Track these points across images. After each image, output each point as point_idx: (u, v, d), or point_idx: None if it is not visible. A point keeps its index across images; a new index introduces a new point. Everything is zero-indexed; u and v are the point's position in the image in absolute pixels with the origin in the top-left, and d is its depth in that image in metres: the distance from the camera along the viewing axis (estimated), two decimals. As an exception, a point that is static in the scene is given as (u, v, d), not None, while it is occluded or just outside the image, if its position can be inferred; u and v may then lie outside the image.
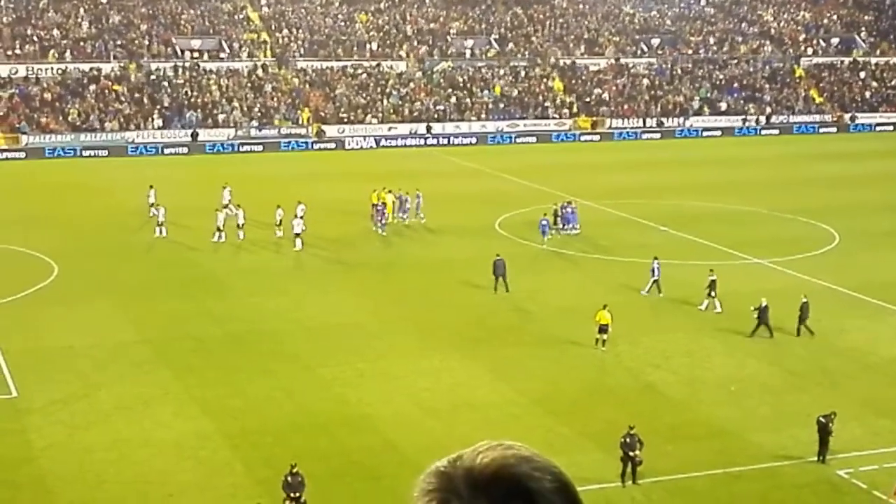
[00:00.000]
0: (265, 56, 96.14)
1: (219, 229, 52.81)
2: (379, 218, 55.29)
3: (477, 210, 60.02)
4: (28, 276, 46.58)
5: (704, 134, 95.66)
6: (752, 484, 28.83)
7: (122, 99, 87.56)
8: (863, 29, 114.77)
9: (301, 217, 52.84)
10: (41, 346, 38.17)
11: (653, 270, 44.82)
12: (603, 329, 38.48)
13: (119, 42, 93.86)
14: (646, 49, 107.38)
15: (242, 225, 53.39)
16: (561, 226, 55.50)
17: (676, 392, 35.05)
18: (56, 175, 71.14)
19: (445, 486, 2.18)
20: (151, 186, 56.54)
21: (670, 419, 32.63)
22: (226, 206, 57.29)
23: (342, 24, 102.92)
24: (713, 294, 42.73)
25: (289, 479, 26.72)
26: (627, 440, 28.58)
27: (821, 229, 57.07)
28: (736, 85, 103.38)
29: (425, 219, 56.94)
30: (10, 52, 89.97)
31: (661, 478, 28.91)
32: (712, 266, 45.07)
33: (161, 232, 53.73)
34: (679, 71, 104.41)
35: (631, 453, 28.49)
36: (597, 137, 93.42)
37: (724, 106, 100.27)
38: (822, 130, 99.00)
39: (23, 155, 79.48)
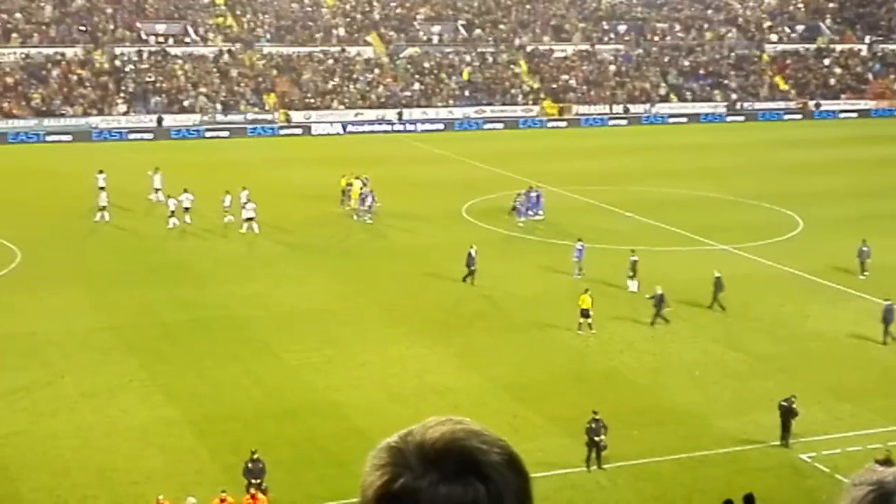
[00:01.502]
0: (231, 41, 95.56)
1: (171, 214, 52.62)
2: (363, 205, 54.63)
3: (444, 196, 60.04)
4: (-9, 262, 46.24)
5: (670, 120, 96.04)
6: (716, 468, 29.11)
7: (87, 84, 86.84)
8: (828, 16, 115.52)
9: (248, 201, 52.44)
10: (3, 332, 37.89)
11: (578, 251, 45.60)
12: (585, 313, 38.82)
13: (83, 27, 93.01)
14: (613, 35, 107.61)
15: (188, 209, 53.23)
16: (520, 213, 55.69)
17: (641, 377, 35.30)
18: (19, 160, 70.47)
19: (397, 460, 2.20)
20: (101, 171, 56.14)
21: (635, 404, 32.86)
22: (157, 191, 57.38)
23: (309, 9, 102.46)
24: (633, 274, 43.43)
25: (249, 465, 26.73)
26: (592, 425, 28.77)
27: (785, 215, 57.52)
28: (702, 72, 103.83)
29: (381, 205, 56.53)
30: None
31: (626, 462, 29.13)
32: (676, 250, 45.35)
33: (103, 216, 53.62)
34: (646, 57, 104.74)
35: (596, 438, 28.69)
36: (563, 124, 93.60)
37: (689, 93, 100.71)
38: (786, 117, 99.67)
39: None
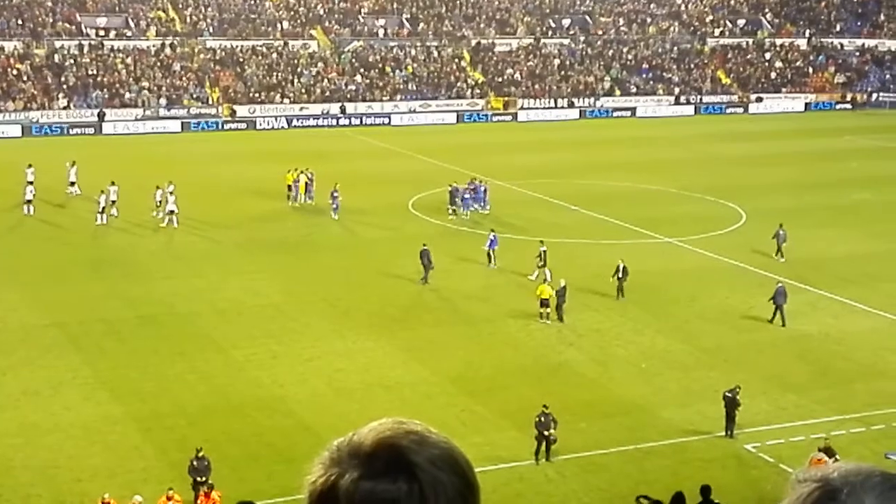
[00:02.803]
0: (173, 34, 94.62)
1: (102, 210, 52.07)
2: (332, 202, 53.94)
3: (390, 190, 59.91)
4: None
5: (615, 114, 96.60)
6: (662, 459, 29.32)
7: (26, 78, 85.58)
8: (768, 11, 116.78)
9: (171, 194, 52.12)
10: (-56, 331, 37.27)
11: (490, 241, 46.08)
12: (544, 303, 39.20)
13: (22, 20, 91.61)
14: (557, 29, 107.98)
15: (114, 202, 52.74)
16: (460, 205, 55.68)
17: (588, 370, 35.47)
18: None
19: (332, 459, 2.24)
20: (30, 165, 55.54)
21: (583, 397, 33.01)
22: (72, 185, 57.18)
23: (252, 2, 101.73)
24: (543, 264, 43.94)
25: (195, 462, 26.52)
26: (542, 419, 28.83)
27: (728, 208, 58.07)
28: (645, 65, 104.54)
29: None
30: None
31: (574, 455, 29.25)
32: (620, 243, 45.57)
33: (29, 210, 53.61)
34: (589, 51, 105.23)
35: (546, 432, 28.75)
36: (508, 118, 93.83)
37: (633, 87, 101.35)
38: (728, 111, 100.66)
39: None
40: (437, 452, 2.23)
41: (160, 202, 52.81)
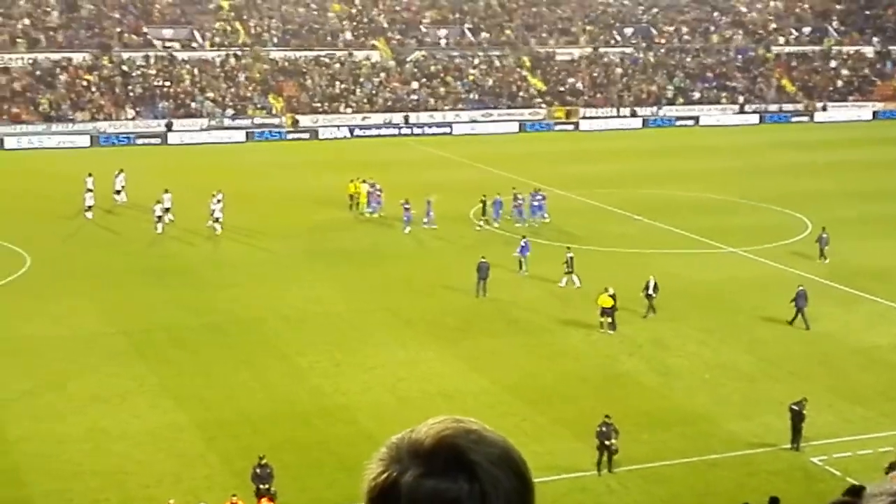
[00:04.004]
0: (238, 45, 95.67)
1: (159, 219, 52.74)
2: (404, 214, 53.56)
3: (451, 200, 59.91)
4: (0, 267, 46.24)
5: (678, 123, 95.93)
6: (727, 471, 29.02)
7: (94, 89, 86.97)
8: (834, 18, 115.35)
9: (219, 202, 52.73)
10: (13, 336, 37.94)
11: (522, 248, 46.31)
12: (605, 312, 39.03)
13: (90, 32, 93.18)
14: (619, 38, 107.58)
15: (168, 210, 53.46)
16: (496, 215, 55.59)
17: (650, 380, 35.23)
18: (28, 166, 70.67)
19: (391, 456, 2.28)
20: (90, 174, 56.53)
21: (645, 407, 32.78)
22: (118, 193, 58.16)
23: (315, 13, 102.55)
24: (571, 270, 44.18)
25: (257, 470, 26.73)
26: (603, 429, 28.68)
27: (794, 218, 57.39)
28: (708, 74, 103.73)
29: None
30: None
31: (637, 466, 29.06)
32: (684, 252, 45.25)
33: (88, 216, 55.10)
34: (652, 60, 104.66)
35: (607, 442, 28.60)
36: (570, 127, 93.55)
37: (696, 95, 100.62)
38: (793, 119, 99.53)
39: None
40: (495, 451, 2.26)
41: (212, 211, 53.41)
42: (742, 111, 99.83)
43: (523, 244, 46.88)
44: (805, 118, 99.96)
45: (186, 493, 26.46)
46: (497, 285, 43.85)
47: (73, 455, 28.99)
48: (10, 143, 79.06)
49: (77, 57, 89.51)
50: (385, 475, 2.26)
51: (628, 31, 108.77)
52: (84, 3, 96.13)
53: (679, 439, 30.61)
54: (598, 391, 33.72)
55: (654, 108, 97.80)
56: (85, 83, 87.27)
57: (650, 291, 41.00)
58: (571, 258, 44.83)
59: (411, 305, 42.26)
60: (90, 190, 55.74)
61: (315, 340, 38.04)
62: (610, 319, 39.23)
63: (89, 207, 55.46)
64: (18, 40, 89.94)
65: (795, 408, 30.10)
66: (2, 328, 38.82)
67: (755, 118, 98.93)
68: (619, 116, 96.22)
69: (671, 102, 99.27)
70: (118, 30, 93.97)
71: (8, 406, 32.10)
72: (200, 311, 41.22)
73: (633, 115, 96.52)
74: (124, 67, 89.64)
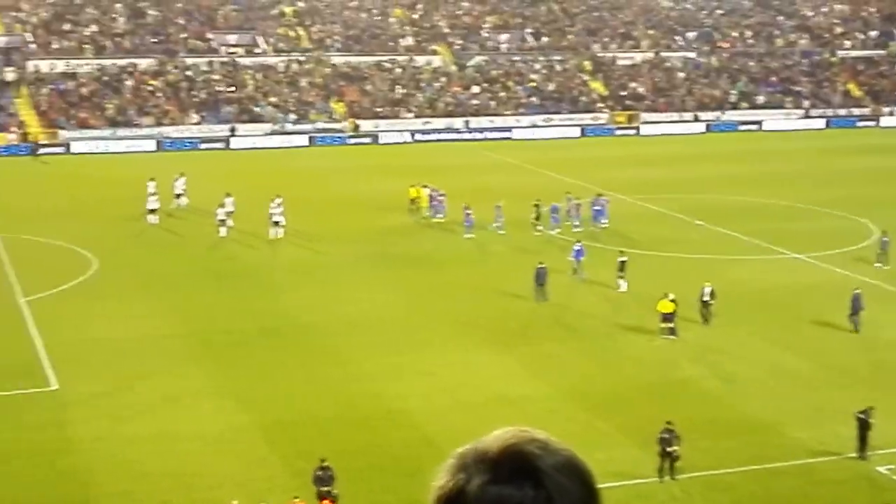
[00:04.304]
0: (300, 51, 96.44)
1: (221, 223, 53.22)
2: (465, 220, 53.39)
3: (512, 204, 59.83)
4: (68, 269, 47.03)
5: (741, 128, 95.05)
6: (791, 480, 28.71)
7: (159, 94, 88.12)
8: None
9: (279, 206, 53.12)
10: (81, 338, 38.53)
11: (576, 252, 46.33)
12: (666, 318, 38.83)
13: (156, 37, 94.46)
14: (682, 42, 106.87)
15: (230, 213, 53.90)
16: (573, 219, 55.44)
17: (713, 386, 34.95)
18: (94, 170, 71.78)
19: (459, 464, 2.30)
20: (152, 178, 57.28)
21: (707, 414, 32.52)
22: (178, 197, 58.83)
23: (377, 18, 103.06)
24: (623, 274, 44.26)
25: (319, 472, 26.91)
26: (665, 435, 28.51)
27: (859, 223, 56.62)
28: (773, 78, 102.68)
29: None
30: (48, 48, 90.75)
31: (699, 473, 28.84)
32: (747, 258, 44.81)
33: (153, 220, 55.85)
34: (715, 64, 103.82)
35: (669, 448, 28.43)
36: (632, 131, 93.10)
37: (760, 99, 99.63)
38: (859, 124, 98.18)
39: (62, 150, 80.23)
40: (561, 460, 2.28)
41: (272, 215, 53.79)
42: (807, 116, 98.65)
43: (578, 248, 46.80)
44: (871, 123, 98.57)
45: (249, 495, 26.71)
46: (557, 290, 43.73)
47: (140, 456, 29.39)
48: (77, 147, 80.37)
49: (143, 63, 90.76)
50: (452, 483, 2.29)
51: (691, 35, 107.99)
52: (150, 9, 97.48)
53: (742, 447, 30.32)
54: (660, 397, 33.50)
55: (717, 113, 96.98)
56: (150, 88, 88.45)
57: (706, 299, 40.57)
58: (624, 262, 44.70)
59: (471, 310, 42.29)
60: (153, 194, 56.61)
61: (375, 345, 38.20)
62: (671, 325, 39.00)
63: (153, 211, 56.32)
64: (86, 46, 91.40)
65: (862, 416, 29.68)
66: (70, 330, 39.44)
67: (821, 123, 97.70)
68: (681, 121, 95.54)
69: (734, 107, 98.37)
70: (183, 36, 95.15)
71: (77, 407, 32.62)
72: (263, 315, 41.59)
73: (696, 119, 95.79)
74: (189, 73, 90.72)
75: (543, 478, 2.24)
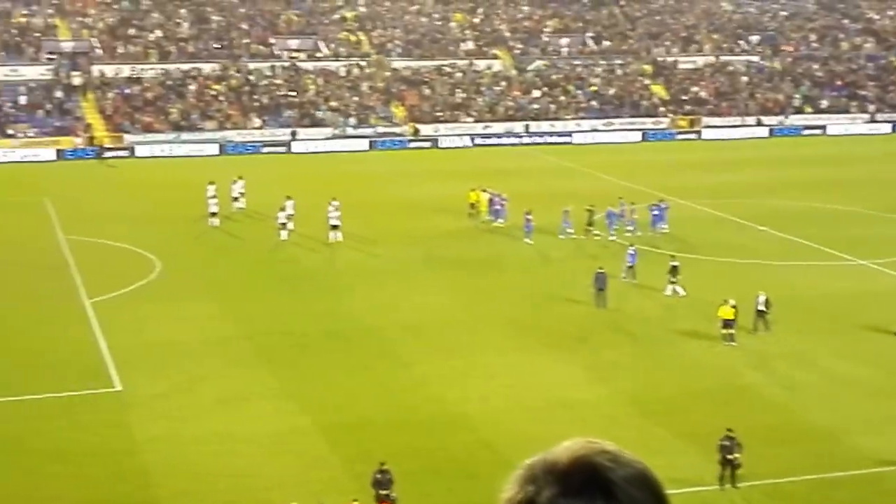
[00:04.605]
0: (361, 55, 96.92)
1: (282, 226, 53.57)
2: (526, 225, 53.25)
3: (573, 209, 59.65)
4: (131, 271, 47.65)
5: (805, 132, 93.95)
6: (855, 489, 28.30)
7: (222, 98, 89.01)
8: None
9: (336, 210, 53.32)
10: (144, 340, 39.00)
11: (630, 256, 46.29)
12: (727, 324, 38.51)
13: (219, 42, 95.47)
14: (745, 46, 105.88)
15: (291, 216, 54.15)
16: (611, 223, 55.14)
17: (775, 394, 34.55)
18: (158, 173, 72.66)
19: (527, 476, 2.26)
20: (212, 182, 57.80)
21: (769, 421, 32.16)
22: (235, 200, 59.44)
23: (437, 23, 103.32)
24: (675, 279, 44.07)
25: (378, 475, 26.97)
26: (726, 443, 28.25)
27: (926, 230, 55.70)
28: (837, 82, 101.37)
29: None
30: (113, 53, 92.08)
31: (760, 481, 28.51)
32: (811, 264, 44.28)
33: (213, 222, 56.80)
34: (779, 68, 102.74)
35: (729, 456, 28.16)
36: (693, 136, 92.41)
37: (824, 103, 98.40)
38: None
39: (126, 153, 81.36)
40: (632, 472, 2.25)
41: (330, 218, 54.00)
42: (873, 120, 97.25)
43: (632, 252, 46.60)
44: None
45: (308, 496, 26.85)
46: (614, 295, 43.50)
47: (200, 457, 29.68)
48: (141, 151, 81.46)
49: (206, 67, 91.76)
50: (521, 495, 2.25)
51: (754, 38, 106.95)
52: (213, 15, 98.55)
53: (804, 455, 29.94)
54: (721, 404, 33.19)
55: (781, 117, 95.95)
56: (213, 93, 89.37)
57: (761, 308, 39.98)
58: (675, 266, 44.52)
59: (531, 315, 42.21)
60: (212, 197, 57.29)
61: (435, 348, 38.27)
62: (732, 331, 38.63)
63: (213, 214, 56.98)
64: (150, 51, 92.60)
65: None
66: (133, 332, 39.94)
67: (887, 127, 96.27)
68: (743, 125, 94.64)
69: (798, 111, 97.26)
70: (246, 41, 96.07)
71: (140, 408, 33.03)
72: (322, 317, 41.83)
73: (759, 124, 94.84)
74: (251, 77, 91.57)
75: (615, 490, 2.20)
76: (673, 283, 44.43)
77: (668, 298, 44.15)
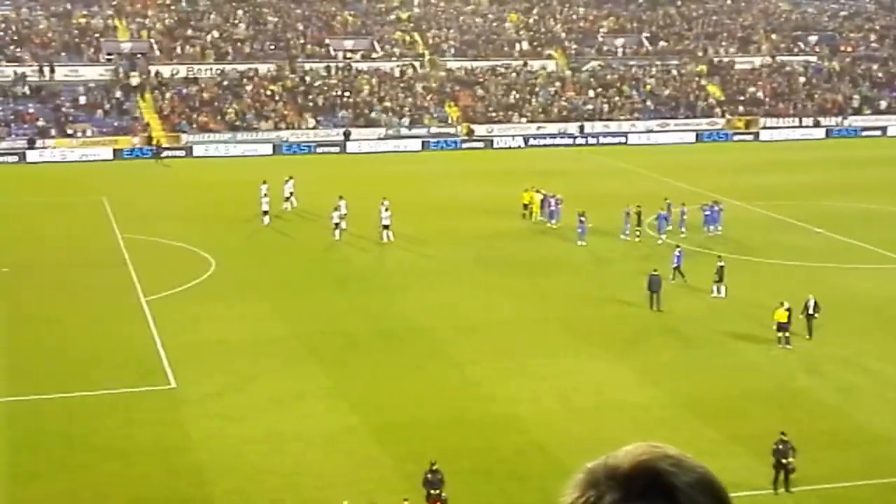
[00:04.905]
0: (415, 56, 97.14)
1: (336, 226, 53.79)
2: (579, 227, 52.82)
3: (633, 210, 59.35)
4: (187, 270, 48.11)
5: (863, 133, 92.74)
6: (911, 495, 27.89)
7: (277, 98, 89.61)
8: None
9: (387, 210, 53.32)
10: (198, 339, 39.37)
11: (676, 257, 46.17)
12: (782, 327, 38.14)
13: (275, 43, 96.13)
14: (803, 47, 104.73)
15: (344, 216, 54.32)
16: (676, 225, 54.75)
17: (831, 398, 34.14)
18: (214, 173, 73.31)
19: (588, 480, 2.24)
20: (265, 182, 58.18)
21: (824, 425, 31.80)
22: (287, 199, 59.91)
23: (492, 23, 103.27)
24: (719, 280, 43.86)
25: (428, 476, 27.01)
26: (780, 446, 27.97)
27: None
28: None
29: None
30: (171, 54, 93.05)
31: (815, 486, 28.21)
32: (868, 267, 43.71)
33: (266, 221, 57.29)
34: (837, 68, 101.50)
35: (784, 460, 27.88)
36: (750, 137, 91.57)
37: (884, 104, 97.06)
38: None
39: (183, 153, 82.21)
40: (696, 477, 2.23)
41: (382, 219, 54.16)
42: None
43: (677, 253, 46.40)
44: None
45: (359, 495, 26.95)
46: (665, 297, 43.21)
47: (252, 455, 29.89)
48: (198, 150, 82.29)
49: (262, 68, 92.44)
50: (582, 500, 2.23)
51: (812, 38, 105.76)
52: (270, 16, 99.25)
53: (860, 460, 29.55)
54: (775, 407, 32.86)
55: (839, 118, 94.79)
56: (269, 93, 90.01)
57: (810, 311, 39.43)
58: (722, 267, 44.21)
59: (583, 316, 42.06)
60: (265, 196, 57.75)
61: (485, 349, 38.24)
62: (786, 334, 38.23)
63: (265, 213, 57.46)
64: (207, 52, 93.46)
65: None
66: (188, 330, 40.33)
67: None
68: (801, 126, 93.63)
69: (857, 112, 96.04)
70: (301, 41, 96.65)
71: (193, 406, 33.33)
72: (374, 317, 41.97)
73: (817, 125, 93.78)
74: (306, 78, 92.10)
75: (678, 495, 2.18)
76: (718, 283, 44.10)
77: (717, 300, 43.80)
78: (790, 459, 27.85)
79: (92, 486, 28.26)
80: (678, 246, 47.81)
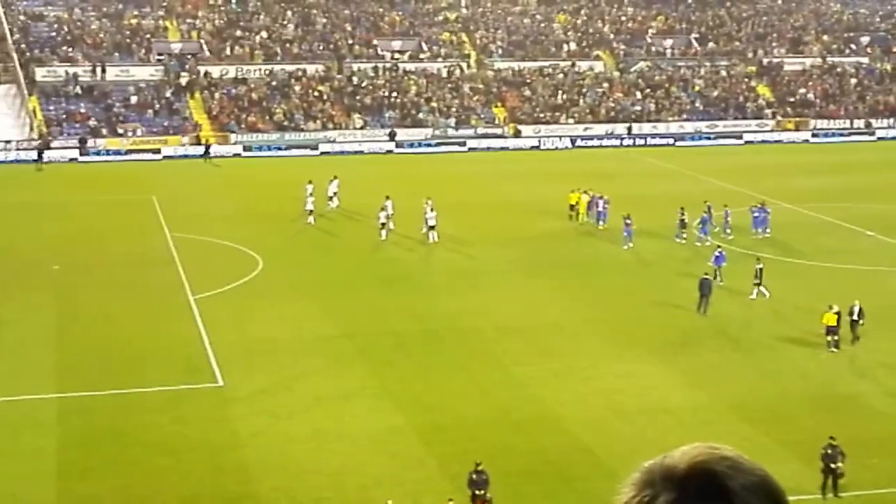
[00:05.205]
0: (463, 56, 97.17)
1: (382, 226, 53.92)
2: (625, 230, 52.50)
3: (673, 212, 59.02)
4: (235, 269, 48.46)
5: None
6: (962, 503, 27.54)
7: (325, 99, 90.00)
8: None
9: (432, 210, 53.41)
10: (246, 337, 39.66)
11: (716, 258, 46.05)
12: (830, 330, 37.81)
13: (323, 44, 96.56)
14: (854, 48, 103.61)
15: (390, 216, 54.42)
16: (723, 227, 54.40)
17: (881, 403, 33.79)
18: (262, 172, 73.76)
19: (644, 480, 2.25)
20: (310, 181, 58.40)
21: (874, 431, 31.48)
22: (331, 199, 60.21)
23: (540, 24, 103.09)
24: (759, 282, 43.61)
25: (473, 476, 27.04)
26: (828, 451, 27.74)
27: None
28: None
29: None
30: (220, 54, 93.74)
31: (864, 492, 27.95)
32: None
33: (311, 220, 57.21)
34: (889, 70, 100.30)
35: (832, 465, 27.64)
36: (800, 139, 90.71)
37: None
38: None
39: (231, 153, 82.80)
40: (754, 480, 2.23)
41: (427, 219, 54.22)
42: None
43: (718, 254, 46.25)
44: None
45: (404, 495, 27.05)
46: (716, 301, 42.93)
47: (298, 454, 30.08)
48: (245, 150, 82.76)
49: (310, 68, 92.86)
50: (637, 500, 2.24)
51: (864, 39, 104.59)
52: (318, 17, 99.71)
53: (910, 466, 29.23)
54: (824, 412, 32.57)
55: (891, 120, 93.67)
56: (317, 93, 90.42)
57: (855, 317, 38.91)
58: (760, 269, 43.95)
59: (629, 318, 41.90)
60: (311, 195, 58.09)
61: (531, 350, 38.21)
62: (835, 338, 37.85)
63: (310, 212, 57.77)
64: (256, 52, 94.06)
65: None
66: (237, 329, 40.63)
67: None
68: (852, 128, 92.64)
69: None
70: (349, 42, 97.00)
71: (240, 404, 33.59)
72: (420, 318, 42.06)
73: (868, 126, 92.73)
74: (354, 78, 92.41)
75: (734, 498, 2.18)
76: (757, 285, 43.75)
77: (760, 302, 43.43)
78: (839, 464, 27.61)
79: (143, 482, 28.56)
80: (719, 246, 47.51)
